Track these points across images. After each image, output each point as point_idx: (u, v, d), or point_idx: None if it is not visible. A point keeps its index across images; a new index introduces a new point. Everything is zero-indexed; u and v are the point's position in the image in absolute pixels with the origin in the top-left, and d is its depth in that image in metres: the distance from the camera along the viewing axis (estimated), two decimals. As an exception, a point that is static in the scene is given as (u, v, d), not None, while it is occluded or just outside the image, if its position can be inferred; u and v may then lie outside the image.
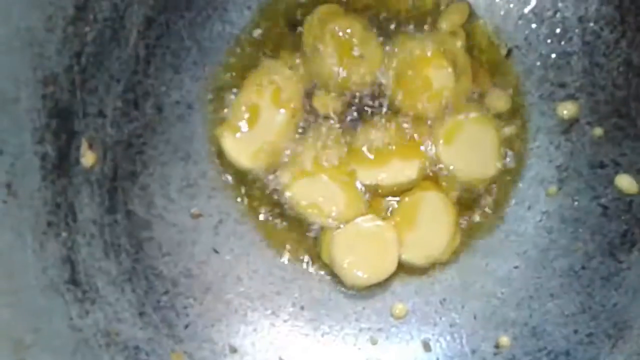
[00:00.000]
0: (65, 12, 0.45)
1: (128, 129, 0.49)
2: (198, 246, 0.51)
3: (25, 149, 0.44)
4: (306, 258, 0.52)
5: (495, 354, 0.50)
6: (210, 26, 0.52)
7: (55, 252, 0.45)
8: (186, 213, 0.51)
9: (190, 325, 0.49)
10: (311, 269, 0.52)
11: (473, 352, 0.50)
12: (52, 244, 0.45)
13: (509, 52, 0.52)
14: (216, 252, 0.51)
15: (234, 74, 0.52)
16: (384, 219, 0.51)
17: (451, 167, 0.51)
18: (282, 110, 0.51)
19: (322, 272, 0.52)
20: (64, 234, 0.46)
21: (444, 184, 0.52)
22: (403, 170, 0.51)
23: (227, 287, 0.51)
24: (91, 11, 0.46)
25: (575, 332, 0.49)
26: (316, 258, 0.52)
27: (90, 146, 0.47)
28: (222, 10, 0.52)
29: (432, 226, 0.51)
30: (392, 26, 0.52)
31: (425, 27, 0.52)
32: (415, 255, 0.51)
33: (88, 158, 0.47)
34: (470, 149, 0.51)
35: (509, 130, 0.52)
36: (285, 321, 0.51)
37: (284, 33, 0.52)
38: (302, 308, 0.51)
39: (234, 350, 0.50)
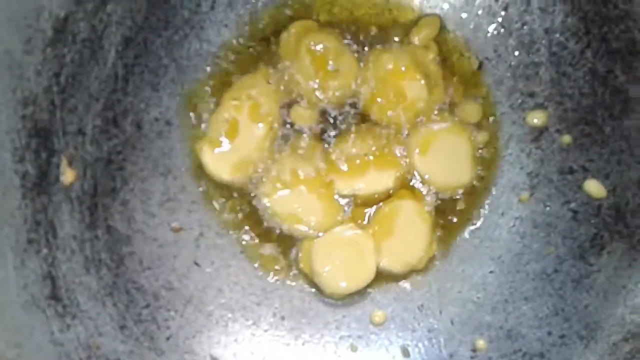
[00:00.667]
0: (44, 34, 0.45)
1: (108, 146, 0.50)
2: (179, 260, 0.51)
3: (6, 168, 0.44)
4: (286, 268, 0.52)
5: (472, 357, 0.51)
6: (187, 44, 0.52)
7: (36, 269, 0.45)
8: (167, 227, 0.51)
9: (171, 338, 0.50)
10: (291, 279, 0.52)
11: (451, 356, 0.51)
12: (33, 260, 0.45)
13: (480, 65, 0.53)
14: (197, 265, 0.52)
15: (212, 90, 0.53)
16: (361, 228, 0.52)
17: (426, 176, 0.52)
18: (260, 124, 0.52)
19: (302, 282, 0.52)
20: (45, 251, 0.46)
21: (419, 192, 0.53)
22: (380, 180, 0.52)
23: (208, 299, 0.51)
24: (70, 33, 0.47)
25: (549, 334, 0.50)
26: (296, 268, 0.52)
27: (70, 164, 0.48)
28: (199, 29, 0.52)
29: (408, 234, 0.52)
30: (366, 40, 0.53)
31: (398, 40, 0.53)
32: (393, 263, 0.52)
33: (68, 175, 0.47)
34: (445, 157, 0.53)
35: (481, 137, 0.53)
36: (266, 331, 0.51)
37: (260, 48, 0.53)
38: (282, 318, 0.52)
39: (215, 360, 0.50)
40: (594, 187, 0.51)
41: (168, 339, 0.50)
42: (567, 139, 0.52)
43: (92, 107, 0.49)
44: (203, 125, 0.52)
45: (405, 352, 0.52)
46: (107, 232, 0.49)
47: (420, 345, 0.51)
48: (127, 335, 0.48)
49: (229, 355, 0.50)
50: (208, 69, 0.53)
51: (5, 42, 0.44)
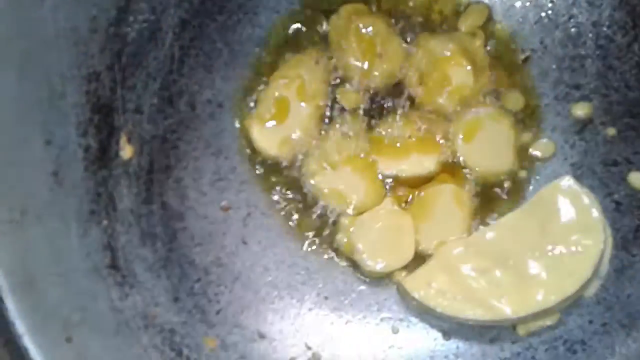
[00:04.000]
0: (108, 14, 0.47)
1: (163, 125, 0.51)
2: (228, 237, 0.52)
3: (70, 141, 0.46)
4: (327, 247, 0.53)
5: (513, 342, 0.51)
6: (240, 29, 0.53)
7: (97, 239, 0.47)
8: (217, 206, 0.52)
9: (221, 312, 0.51)
10: (334, 260, 0.53)
11: (491, 341, 0.51)
12: (95, 230, 0.47)
13: (527, 58, 0.53)
14: (245, 243, 0.52)
15: (262, 74, 0.54)
16: (402, 208, 0.52)
17: (468, 161, 0.52)
18: (308, 103, 0.53)
19: (344, 263, 0.53)
20: (105, 222, 0.47)
21: (461, 177, 0.53)
22: (422, 163, 0.52)
23: (256, 276, 0.52)
24: (131, 13, 0.48)
25: (590, 322, 0.50)
26: (336, 245, 0.53)
27: (129, 140, 0.49)
28: (252, 14, 0.53)
29: (447, 218, 0.52)
30: (414, 26, 0.54)
31: (445, 27, 0.54)
32: (431, 246, 0.52)
33: (127, 151, 0.49)
34: (488, 144, 0.53)
35: (527, 136, 0.53)
36: (310, 310, 0.52)
37: (311, 31, 0.54)
38: (326, 298, 0.52)
39: (262, 336, 0.51)
40: (638, 180, 0.51)
41: (218, 312, 0.51)
42: (611, 131, 0.52)
43: (150, 87, 0.50)
44: (253, 106, 0.53)
45: (446, 334, 0.52)
46: (162, 208, 0.50)
47: (461, 329, 0.51)
48: (181, 307, 0.49)
49: (275, 331, 0.51)
50: (260, 53, 0.54)
51: (72, 19, 0.46)
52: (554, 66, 0.53)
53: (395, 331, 0.52)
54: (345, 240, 0.52)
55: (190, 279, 0.51)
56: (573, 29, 0.53)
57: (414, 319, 0.52)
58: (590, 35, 0.52)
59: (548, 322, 0.50)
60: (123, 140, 0.49)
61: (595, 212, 0.50)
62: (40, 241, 0.44)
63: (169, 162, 0.51)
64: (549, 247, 0.50)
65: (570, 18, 0.53)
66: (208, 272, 0.51)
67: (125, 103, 0.49)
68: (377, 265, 0.51)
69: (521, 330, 0.51)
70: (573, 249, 0.49)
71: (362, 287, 0.53)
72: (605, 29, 0.52)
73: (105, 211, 0.48)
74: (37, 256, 0.44)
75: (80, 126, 0.46)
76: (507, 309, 0.49)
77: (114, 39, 0.48)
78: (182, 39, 0.51)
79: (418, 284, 0.51)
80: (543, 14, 0.53)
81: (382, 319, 0.52)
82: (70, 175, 0.46)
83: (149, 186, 0.50)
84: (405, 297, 0.52)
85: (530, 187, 0.53)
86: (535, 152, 0.53)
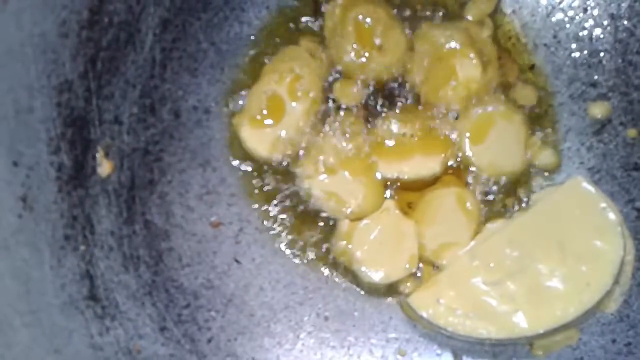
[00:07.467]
0: (80, 16, 0.45)
1: (145, 135, 0.49)
2: (219, 256, 0.50)
3: (41, 160, 0.44)
4: (326, 261, 0.50)
5: (529, 365, 0.49)
6: (227, 27, 0.51)
7: (73, 267, 0.44)
8: (205, 222, 0.50)
9: (213, 340, 0.49)
10: (334, 276, 0.51)
11: (506, 363, 0.49)
12: (70, 258, 0.44)
13: (532, 66, 0.51)
14: (237, 261, 0.50)
15: (252, 75, 0.51)
16: (404, 213, 0.50)
17: (476, 162, 0.50)
18: (302, 100, 0.50)
19: (345, 278, 0.51)
20: (82, 247, 0.45)
21: (468, 179, 0.50)
22: (426, 164, 0.50)
23: (250, 298, 0.50)
24: (106, 14, 0.46)
25: (614, 341, 0.48)
26: (335, 256, 0.50)
27: (107, 154, 0.47)
28: (239, 11, 0.51)
29: (453, 223, 0.49)
30: (417, 14, 0.51)
31: (451, 15, 0.51)
32: (437, 254, 0.49)
33: (105, 167, 0.47)
34: (497, 143, 0.50)
35: (539, 135, 0.51)
36: (309, 333, 0.50)
37: (304, 21, 0.51)
38: (326, 319, 0.50)
39: (258, 364, 0.49)
40: (662, 185, 0.49)
41: (209, 341, 0.49)
42: (632, 132, 0.50)
43: (129, 94, 0.48)
44: (242, 103, 0.51)
45: (457, 356, 0.50)
46: (145, 227, 0.48)
47: (473, 349, 0.49)
48: (168, 337, 0.47)
49: (272, 358, 0.49)
50: (249, 52, 0.51)
51: (40, 24, 0.43)
52: (568, 62, 0.51)
53: (402, 354, 0.50)
54: (343, 249, 0.50)
55: (178, 304, 0.48)
56: (589, 22, 0.50)
57: (422, 339, 0.50)
58: (609, 28, 0.50)
59: (567, 340, 0.48)
60: (100, 155, 0.47)
61: (612, 215, 0.48)
62: (7, 275, 0.42)
63: (152, 176, 0.49)
64: (563, 255, 0.48)
65: (585, 10, 0.50)
66: (197, 296, 0.49)
67: (101, 114, 0.47)
68: (377, 275, 0.49)
69: (538, 350, 0.48)
70: (590, 255, 0.47)
71: (365, 305, 0.51)
72: (625, 21, 0.50)
73: (82, 235, 0.45)
74: (4, 292, 0.41)
75: (51, 143, 0.44)
76: (523, 325, 0.47)
77: (87, 43, 0.45)
78: (164, 40, 0.49)
79: (425, 301, 0.48)
80: (556, 5, 0.51)
81: (387, 340, 0.50)
82: (41, 198, 0.43)
83: (130, 204, 0.48)
84: (411, 315, 0.49)
85: (543, 192, 0.51)
86: (539, 163, 0.50)
